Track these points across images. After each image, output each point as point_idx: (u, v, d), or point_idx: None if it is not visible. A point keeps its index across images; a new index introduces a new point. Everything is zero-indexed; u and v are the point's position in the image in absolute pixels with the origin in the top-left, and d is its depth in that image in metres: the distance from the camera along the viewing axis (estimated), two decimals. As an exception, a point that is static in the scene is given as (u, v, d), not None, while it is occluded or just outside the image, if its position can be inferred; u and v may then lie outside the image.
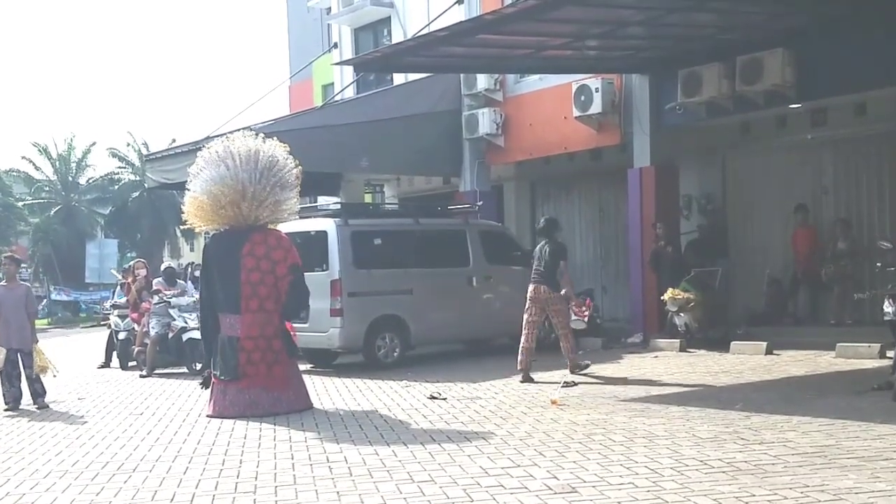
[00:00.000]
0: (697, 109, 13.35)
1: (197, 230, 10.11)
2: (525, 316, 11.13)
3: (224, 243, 9.70)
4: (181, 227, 11.11)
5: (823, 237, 13.80)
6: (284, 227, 14.08)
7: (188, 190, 9.75)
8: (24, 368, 10.51)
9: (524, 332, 11.07)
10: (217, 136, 16.59)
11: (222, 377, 9.33)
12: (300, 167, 9.86)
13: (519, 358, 10.93)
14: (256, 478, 6.32)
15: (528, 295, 11.16)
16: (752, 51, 12.16)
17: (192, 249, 53.38)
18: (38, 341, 10.81)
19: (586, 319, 11.86)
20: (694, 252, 14.25)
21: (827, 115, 13.63)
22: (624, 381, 10.31)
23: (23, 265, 11.01)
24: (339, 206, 14.49)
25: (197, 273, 15.34)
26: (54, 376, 11.06)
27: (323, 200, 19.33)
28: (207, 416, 9.21)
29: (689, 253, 14.22)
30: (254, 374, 9.26)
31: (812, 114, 13.68)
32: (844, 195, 13.94)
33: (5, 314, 10.41)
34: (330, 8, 22.72)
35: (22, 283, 11.40)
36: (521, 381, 10.63)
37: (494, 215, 16.91)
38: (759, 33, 12.12)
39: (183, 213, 9.94)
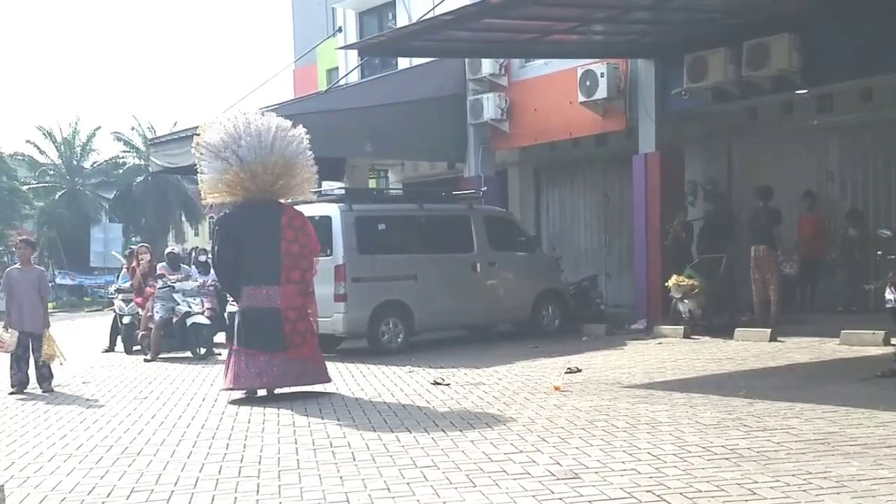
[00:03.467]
0: (703, 95, 13.29)
1: (217, 203, 9.89)
2: (752, 276, 12.94)
3: (257, 214, 9.53)
4: (202, 203, 10.87)
5: (830, 223, 13.77)
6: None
7: (224, 160, 9.42)
8: (32, 352, 10.55)
9: (754, 289, 12.90)
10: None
11: (265, 349, 9.24)
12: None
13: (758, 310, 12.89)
14: (260, 462, 6.34)
15: (752, 256, 12.89)
16: (758, 36, 12.09)
17: (196, 234, 53.46)
18: (49, 326, 10.83)
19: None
20: (700, 238, 14.23)
21: (833, 101, 13.57)
22: None
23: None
24: (343, 192, 14.48)
25: (202, 258, 15.35)
26: (61, 364, 11.11)
27: (327, 185, 19.30)
28: (227, 389, 9.34)
29: (697, 239, 14.20)
30: (300, 344, 9.36)
31: (818, 99, 13.62)
32: (850, 181, 13.90)
33: (19, 297, 10.44)
34: (335, -9, 22.60)
35: (36, 266, 11.42)
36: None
37: (499, 201, 16.88)
38: (766, 18, 12.04)
39: (200, 195, 9.97)
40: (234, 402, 9.12)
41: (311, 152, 9.72)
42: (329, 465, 6.14)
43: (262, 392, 9.31)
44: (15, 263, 10.96)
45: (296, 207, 9.85)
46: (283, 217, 9.44)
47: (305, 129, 9.75)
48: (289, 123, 9.71)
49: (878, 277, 11.54)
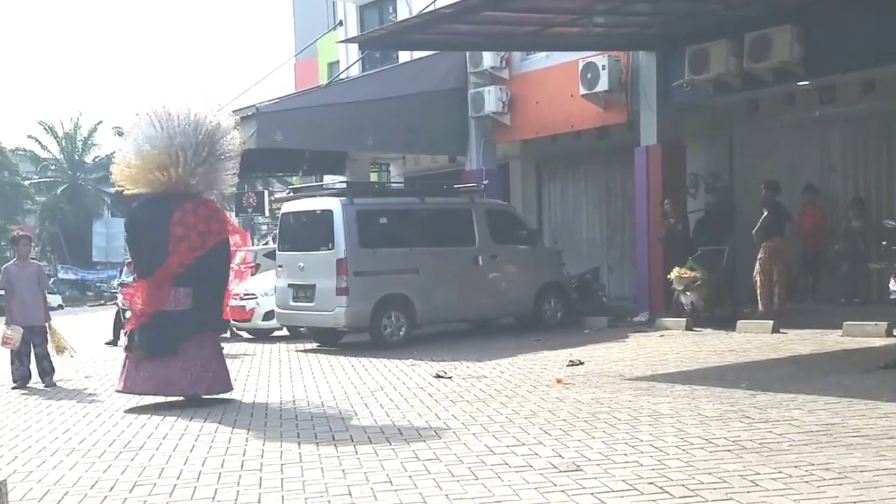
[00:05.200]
0: (705, 87, 13.25)
1: (126, 193, 9.11)
2: (762, 267, 12.68)
3: (153, 210, 8.88)
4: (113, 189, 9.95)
5: (833, 215, 13.74)
6: (290, 206, 14.23)
7: (118, 150, 9.26)
8: (34, 347, 10.56)
9: (762, 280, 12.66)
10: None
11: (147, 353, 8.69)
12: (243, 140, 9.35)
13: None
14: (262, 455, 6.34)
15: (766, 246, 12.68)
16: (760, 27, 12.05)
17: (198, 228, 52.94)
18: (51, 319, 10.86)
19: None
20: (701, 230, 14.20)
21: (835, 93, 13.52)
22: None
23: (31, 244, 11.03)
24: (344, 185, 14.47)
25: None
26: (71, 356, 11.12)
27: (328, 179, 19.30)
28: (118, 391, 8.94)
29: (697, 231, 14.17)
30: (184, 351, 8.62)
31: (820, 91, 13.57)
32: (852, 173, 13.86)
33: (20, 292, 10.46)
34: (335, -15, 22.58)
35: (32, 261, 11.46)
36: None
37: (500, 194, 16.86)
38: (768, 9, 12.01)
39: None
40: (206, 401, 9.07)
41: (236, 160, 9.14)
42: (331, 458, 6.14)
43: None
44: (13, 259, 10.98)
45: (207, 197, 9.13)
46: (176, 213, 8.63)
47: (243, 139, 9.27)
48: (227, 124, 9.09)
49: (881, 272, 11.54)
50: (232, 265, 9.60)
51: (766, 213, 12.75)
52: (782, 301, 12.76)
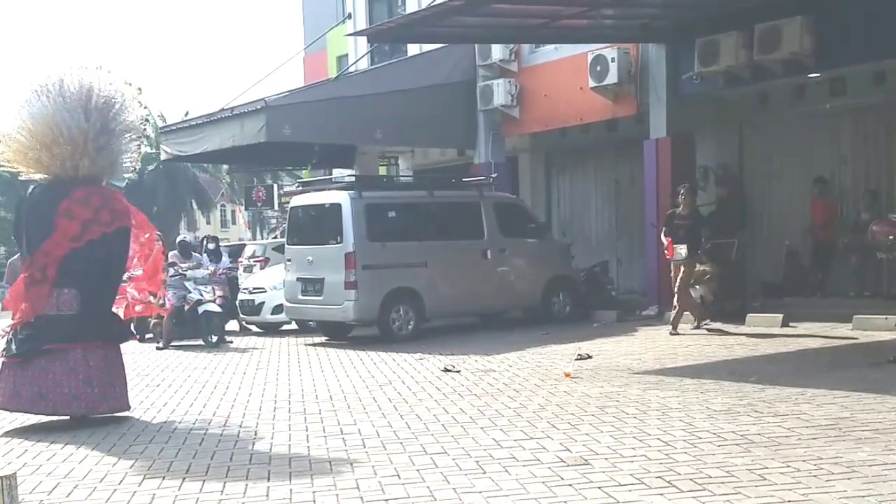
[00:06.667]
0: (715, 79, 13.18)
1: (21, 177, 8.18)
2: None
3: (41, 198, 7.92)
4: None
5: (843, 208, 13.67)
6: (299, 200, 14.25)
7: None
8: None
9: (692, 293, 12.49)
10: (231, 107, 16.68)
11: (17, 353, 7.56)
12: (147, 113, 8.48)
13: None
14: (271, 449, 6.37)
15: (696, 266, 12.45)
16: (770, 18, 11.97)
17: (208, 222, 53.54)
18: None
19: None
20: (711, 223, 14.12)
21: (846, 84, 13.43)
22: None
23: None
24: (353, 179, 14.48)
25: (210, 245, 15.39)
26: None
27: (337, 173, 19.31)
28: None
29: (707, 224, 14.09)
30: (62, 359, 7.57)
31: (831, 83, 13.48)
32: (863, 165, 13.78)
33: None
34: (344, -22, 22.53)
35: None
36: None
37: (509, 187, 16.83)
38: (778, 0, 11.93)
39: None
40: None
41: (137, 139, 8.33)
42: (339, 451, 6.16)
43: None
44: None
45: (104, 183, 8.30)
46: (64, 202, 7.66)
47: (146, 111, 8.43)
48: (124, 96, 8.04)
49: (890, 265, 11.48)
50: (132, 265, 8.51)
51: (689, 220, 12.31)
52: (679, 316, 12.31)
